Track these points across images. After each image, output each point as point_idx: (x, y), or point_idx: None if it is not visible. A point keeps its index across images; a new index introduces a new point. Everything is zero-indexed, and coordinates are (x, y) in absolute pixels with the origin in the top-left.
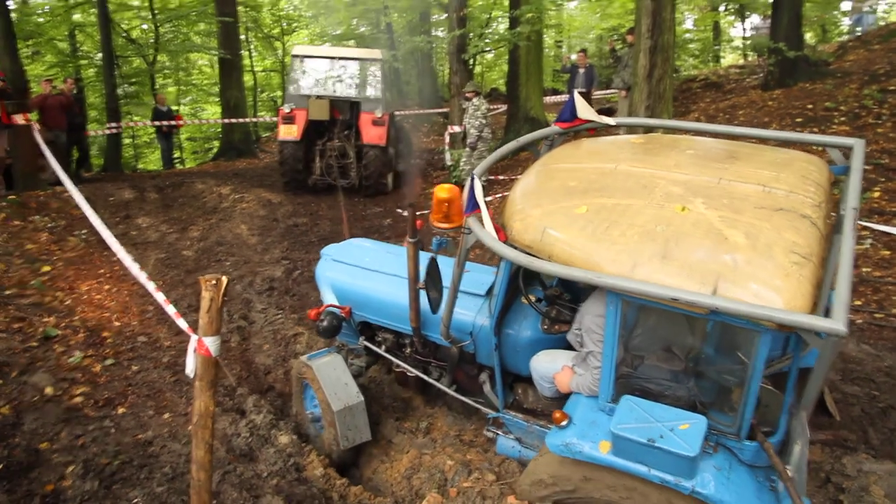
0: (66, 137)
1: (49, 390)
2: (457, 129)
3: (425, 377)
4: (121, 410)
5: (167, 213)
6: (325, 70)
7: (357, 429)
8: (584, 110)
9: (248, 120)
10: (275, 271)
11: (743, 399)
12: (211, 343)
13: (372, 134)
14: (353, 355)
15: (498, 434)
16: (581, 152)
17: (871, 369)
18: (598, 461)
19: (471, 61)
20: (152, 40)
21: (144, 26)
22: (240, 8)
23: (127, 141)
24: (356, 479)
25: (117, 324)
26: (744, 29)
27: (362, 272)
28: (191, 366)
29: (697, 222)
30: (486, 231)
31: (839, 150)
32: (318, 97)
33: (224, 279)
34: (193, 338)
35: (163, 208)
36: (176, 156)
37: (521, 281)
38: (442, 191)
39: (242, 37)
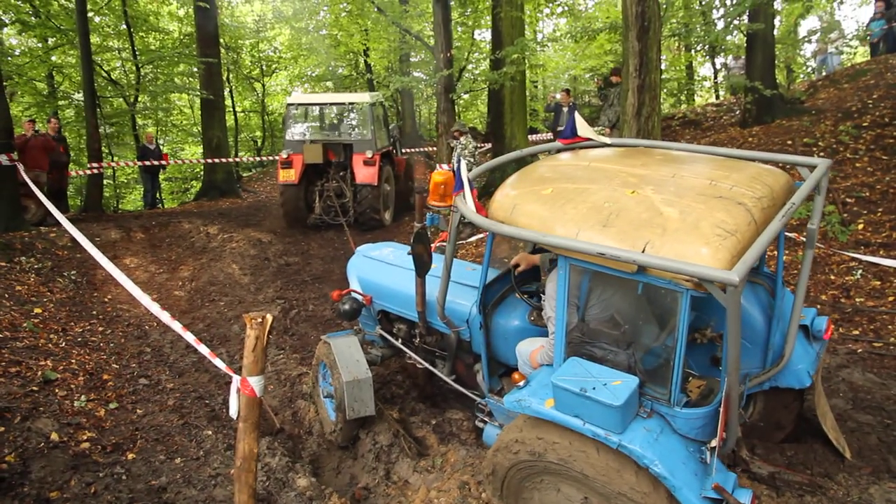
0: (48, 177)
1: (54, 436)
2: (445, 167)
3: (431, 368)
4: (130, 456)
5: (155, 253)
6: (318, 116)
7: (363, 402)
8: (584, 129)
9: (230, 160)
10: (272, 311)
11: (672, 364)
12: (255, 383)
13: (364, 174)
14: (369, 345)
15: (486, 422)
16: (565, 155)
17: (881, 398)
18: (541, 415)
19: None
20: (134, 81)
21: (124, 68)
22: (221, 50)
23: (107, 181)
24: None
25: (115, 366)
26: (714, 69)
27: (386, 266)
28: (234, 407)
29: (641, 202)
30: (467, 206)
31: (808, 168)
32: (312, 142)
33: (269, 317)
34: (236, 378)
35: (150, 248)
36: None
37: (513, 275)
38: (438, 175)
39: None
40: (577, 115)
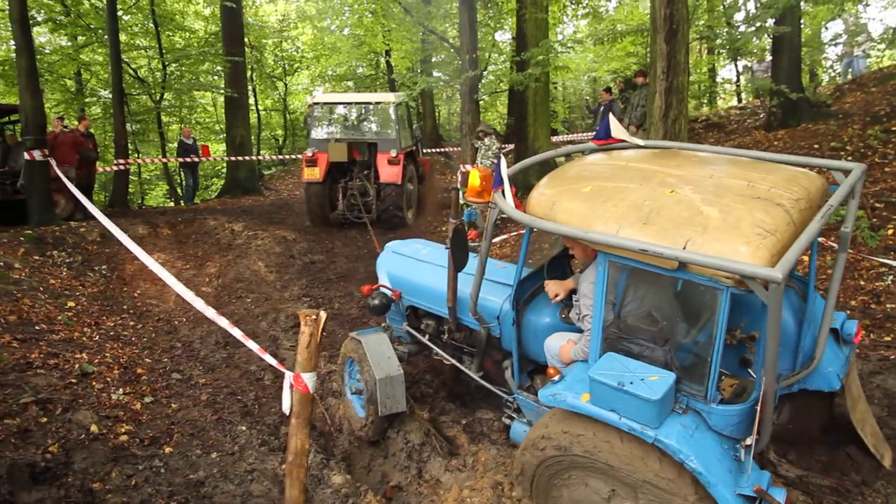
0: (76, 173)
1: (94, 428)
2: (469, 167)
3: (458, 364)
4: (167, 450)
5: (182, 249)
6: (344, 115)
7: (395, 398)
8: (618, 130)
9: (253, 157)
10: (298, 308)
11: (710, 360)
12: (309, 379)
13: (388, 173)
14: (397, 342)
15: (514, 419)
16: (601, 156)
17: None
18: (576, 409)
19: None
20: (160, 79)
21: (150, 66)
22: (245, 49)
23: (132, 178)
24: None
25: (148, 360)
26: (737, 72)
27: (416, 262)
28: (287, 403)
29: (680, 201)
30: (507, 203)
31: (842, 173)
32: (337, 140)
33: (323, 314)
34: (288, 374)
35: (177, 244)
36: (179, 193)
37: (545, 271)
38: (476, 172)
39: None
40: (611, 116)
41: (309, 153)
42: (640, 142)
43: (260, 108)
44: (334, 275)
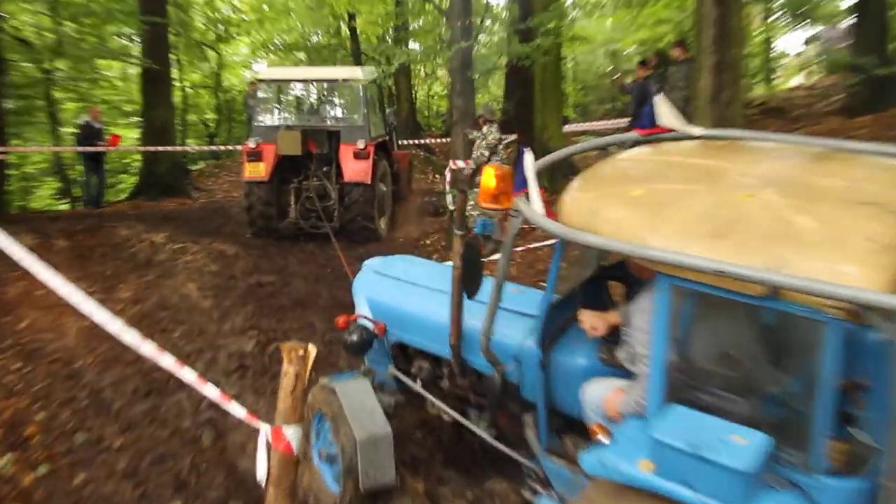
0: None
1: None
2: (461, 164)
3: (463, 419)
4: None
5: (84, 266)
6: (297, 95)
7: (381, 467)
8: (667, 116)
9: (178, 148)
10: (243, 345)
11: (814, 416)
12: (293, 435)
13: (354, 169)
14: (379, 389)
15: (540, 493)
16: (646, 149)
17: None
18: (636, 481)
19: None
20: (53, 42)
21: (39, 23)
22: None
23: (10, 172)
24: None
25: (42, 415)
26: (803, 42)
27: (405, 286)
28: (263, 467)
29: (763, 207)
30: (534, 209)
31: None
32: (289, 128)
33: (312, 349)
34: (265, 427)
35: (77, 260)
36: (76, 194)
37: (578, 299)
38: (491, 170)
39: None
40: (660, 98)
41: (251, 144)
42: (699, 130)
43: (186, 84)
44: (289, 300)
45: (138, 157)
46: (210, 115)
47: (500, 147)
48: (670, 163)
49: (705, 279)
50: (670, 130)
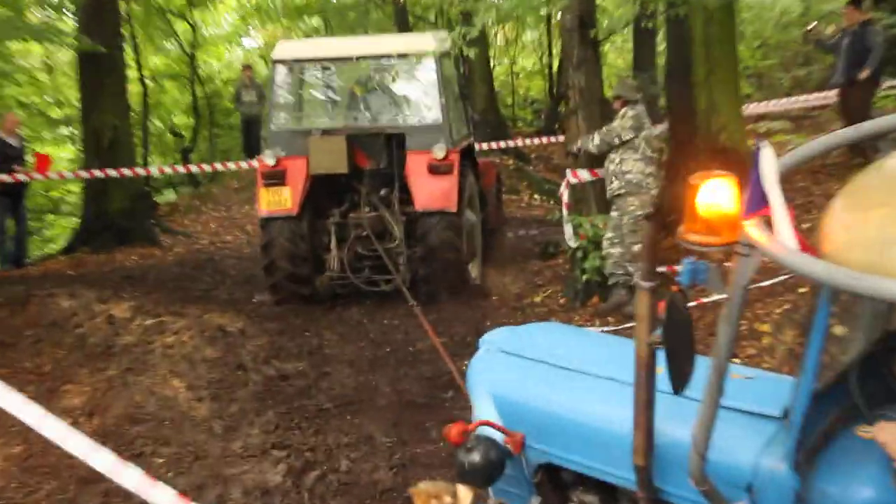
0: None
1: None
2: (585, 175)
3: None
4: None
5: (7, 358)
6: (334, 82)
7: None
8: None
9: (138, 171)
10: (265, 473)
11: None
12: None
13: (431, 191)
14: None
15: None
16: None
17: None
18: None
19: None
20: None
21: None
22: None
23: None
24: None
25: None
26: None
27: (555, 373)
28: None
29: None
30: (783, 242)
31: None
32: (325, 133)
33: (467, 494)
34: None
35: None
36: None
37: (854, 381)
38: (699, 180)
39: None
40: None
41: (268, 160)
42: None
43: (145, 74)
44: (330, 399)
45: (76, 187)
46: (182, 120)
47: (645, 145)
48: None
49: None
50: None
